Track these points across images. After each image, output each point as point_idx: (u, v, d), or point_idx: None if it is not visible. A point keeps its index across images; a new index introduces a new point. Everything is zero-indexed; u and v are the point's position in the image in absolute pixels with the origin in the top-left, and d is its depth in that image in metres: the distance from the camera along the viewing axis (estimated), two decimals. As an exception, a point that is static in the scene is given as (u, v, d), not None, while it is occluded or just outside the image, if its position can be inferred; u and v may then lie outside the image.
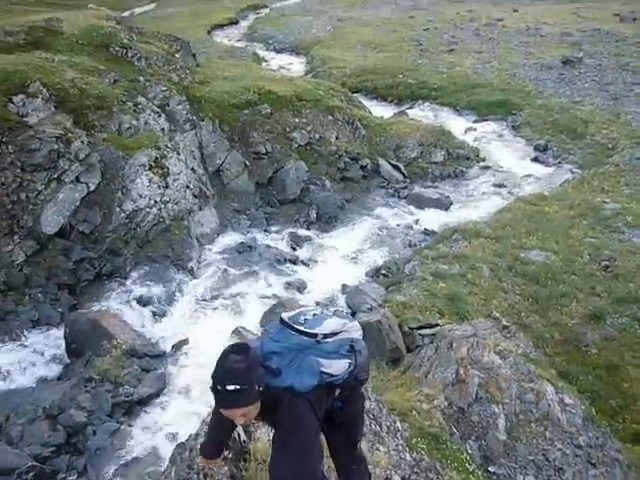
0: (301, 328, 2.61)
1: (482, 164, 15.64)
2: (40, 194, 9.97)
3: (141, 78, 13.36)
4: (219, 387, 2.34)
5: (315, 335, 2.61)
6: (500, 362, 5.91)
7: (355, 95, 18.87)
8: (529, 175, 14.88)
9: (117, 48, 13.73)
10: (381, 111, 18.68)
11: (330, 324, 2.67)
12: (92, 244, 10.16)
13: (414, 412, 5.21)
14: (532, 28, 27.92)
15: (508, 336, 7.09)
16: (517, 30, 27.87)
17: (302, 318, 2.67)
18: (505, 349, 6.23)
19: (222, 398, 2.37)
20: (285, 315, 2.68)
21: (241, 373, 2.36)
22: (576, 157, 15.47)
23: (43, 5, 35.61)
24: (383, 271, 10.50)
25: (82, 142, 10.73)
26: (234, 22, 35.41)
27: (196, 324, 9.28)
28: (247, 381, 2.36)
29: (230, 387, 2.33)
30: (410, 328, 7.99)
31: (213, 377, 2.37)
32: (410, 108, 19.51)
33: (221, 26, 34.17)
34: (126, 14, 34.65)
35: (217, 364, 2.39)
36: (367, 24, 31.47)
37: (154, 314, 9.41)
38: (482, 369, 5.77)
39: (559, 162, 15.45)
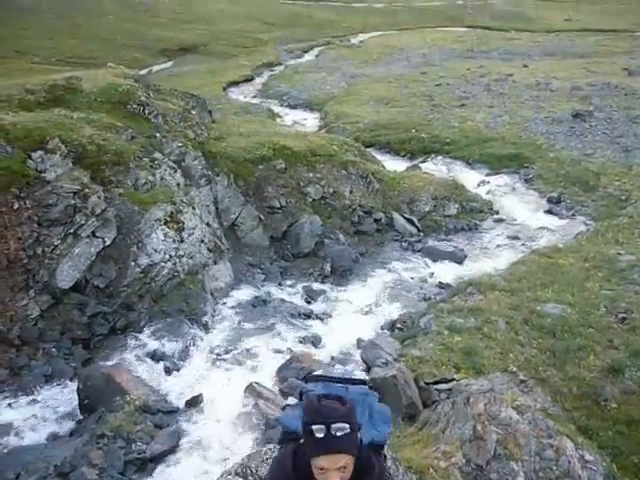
0: (346, 376, 2.50)
1: (496, 217, 15.66)
2: (56, 249, 10.07)
3: (158, 134, 13.61)
4: (323, 428, 2.17)
5: (364, 382, 2.53)
6: (518, 418, 5.79)
7: (368, 150, 19.07)
8: (543, 227, 14.86)
9: (135, 105, 14.02)
10: (394, 165, 18.84)
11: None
12: (107, 298, 10.20)
13: (431, 470, 5.10)
14: (542, 83, 28.25)
15: (525, 391, 6.99)
16: (527, 85, 28.21)
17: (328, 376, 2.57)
18: (523, 404, 6.12)
19: (327, 441, 2.18)
20: (315, 374, 2.54)
21: (347, 412, 2.23)
22: (589, 209, 15.47)
23: (63, 64, 36.61)
24: (398, 325, 10.42)
25: (99, 197, 10.88)
26: (249, 79, 36.11)
27: (210, 379, 9.20)
28: (354, 421, 2.23)
29: (339, 425, 2.17)
30: (426, 383, 7.89)
31: (313, 418, 2.21)
32: (423, 162, 19.66)
33: (236, 83, 34.85)
34: (144, 72, 35.50)
35: (311, 408, 2.27)
36: (380, 80, 32.03)
37: (168, 369, 9.35)
38: (500, 425, 5.65)
39: (572, 214, 15.44)
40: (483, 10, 69.89)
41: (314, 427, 2.20)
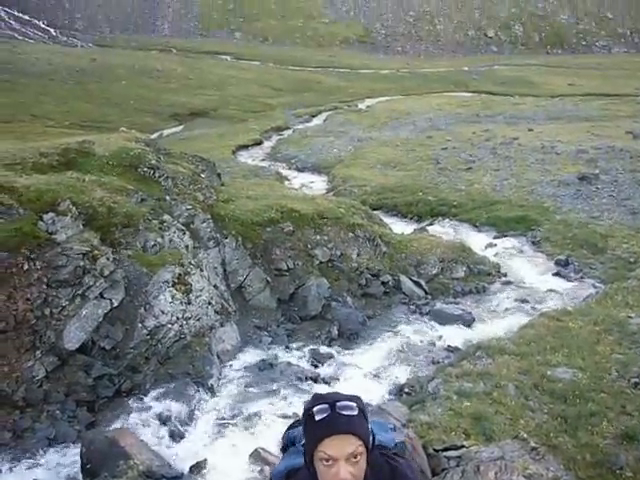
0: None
1: (504, 279, 15.60)
2: (64, 310, 10.09)
3: (167, 197, 13.78)
4: (327, 407, 1.94)
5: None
6: (530, 487, 5.66)
7: (376, 212, 19.20)
8: (551, 290, 14.77)
9: (145, 169, 14.25)
10: (401, 228, 18.93)
11: None
12: (113, 360, 10.14)
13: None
14: (547, 146, 28.55)
15: (537, 458, 6.83)
16: (533, 148, 28.53)
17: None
18: (535, 472, 5.99)
19: (332, 420, 1.93)
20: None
21: (355, 397, 2.03)
22: (598, 272, 15.41)
23: (77, 127, 37.40)
24: (406, 389, 10.26)
25: (108, 259, 10.95)
26: (258, 143, 36.72)
27: (215, 444, 9.04)
28: (362, 407, 2.00)
29: (345, 403, 1.94)
30: (435, 450, 7.72)
31: (315, 401, 1.99)
32: (430, 225, 19.75)
33: (246, 147, 35.43)
34: (155, 135, 36.17)
35: (313, 396, 2.09)
36: (386, 144, 32.49)
37: (172, 433, 9.22)
38: (512, 495, 5.52)
39: (581, 277, 15.37)
40: (487, 76, 71.35)
41: (315, 408, 1.98)
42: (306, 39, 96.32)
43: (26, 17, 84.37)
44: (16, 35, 78.12)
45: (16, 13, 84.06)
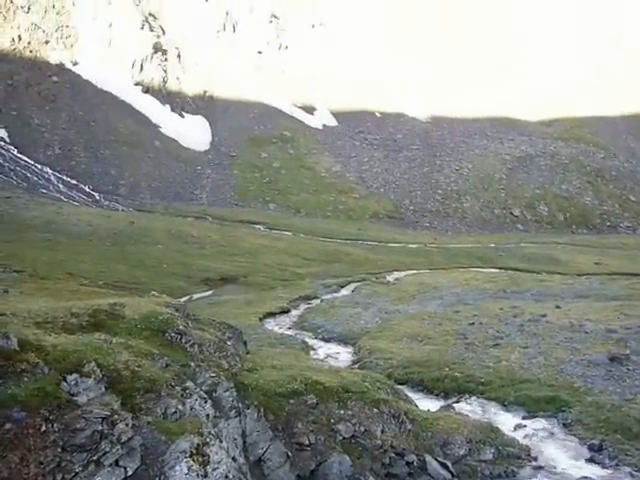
0: None
1: (534, 464, 14.87)
2: (77, 476, 9.76)
3: (192, 363, 13.76)
4: None
5: None
6: None
7: (401, 387, 18.85)
8: (585, 477, 14.00)
9: (173, 334, 14.38)
10: (427, 404, 18.45)
11: None
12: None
13: None
14: (576, 324, 28.32)
15: None
16: (561, 326, 28.28)
17: None
18: None
19: None
20: None
21: None
22: (635, 459, 14.65)
23: (110, 287, 38.30)
24: None
25: (127, 424, 10.76)
26: (286, 311, 37.04)
27: None
28: None
29: None
30: None
31: None
32: (457, 402, 19.24)
33: (273, 314, 35.72)
34: (185, 299, 36.84)
35: None
36: (413, 317, 32.53)
37: None
38: None
39: (616, 464, 14.60)
40: (514, 253, 72.47)
41: None
42: (337, 212, 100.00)
43: (73, 182, 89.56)
44: (62, 197, 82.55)
45: (65, 178, 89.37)
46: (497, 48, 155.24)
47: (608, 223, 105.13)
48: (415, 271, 58.01)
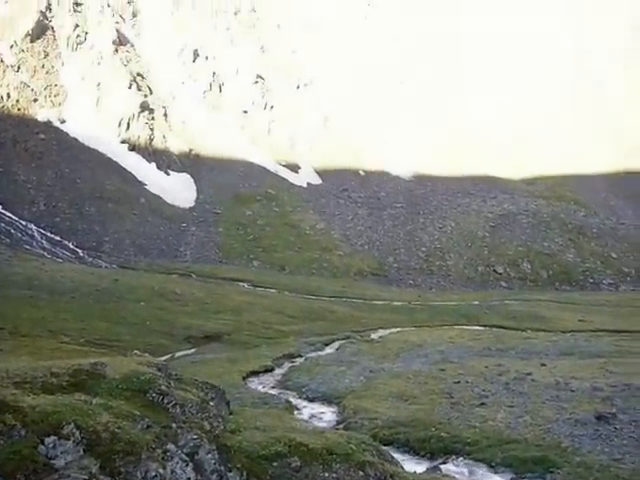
0: None
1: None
2: None
3: (174, 425, 13.47)
4: None
5: None
6: None
7: (387, 448, 18.51)
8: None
9: (154, 394, 14.10)
10: (414, 466, 18.13)
11: None
12: None
13: None
14: (561, 382, 28.20)
15: None
16: (547, 384, 28.16)
17: None
18: None
19: None
20: None
21: None
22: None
23: (91, 345, 37.78)
24: None
25: (105, 490, 10.46)
26: (269, 370, 36.58)
27: None
28: None
29: None
30: None
31: None
32: (443, 463, 18.92)
33: (256, 373, 35.26)
34: (167, 357, 36.37)
35: None
36: (399, 376, 32.24)
37: None
38: None
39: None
40: (498, 310, 72.56)
41: None
42: (321, 270, 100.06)
43: (57, 238, 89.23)
44: (46, 254, 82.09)
45: (49, 234, 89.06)
46: (479, 108, 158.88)
47: (591, 280, 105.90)
48: (399, 329, 57.80)
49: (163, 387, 14.80)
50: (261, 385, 32.28)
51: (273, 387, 31.93)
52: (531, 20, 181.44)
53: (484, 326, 60.41)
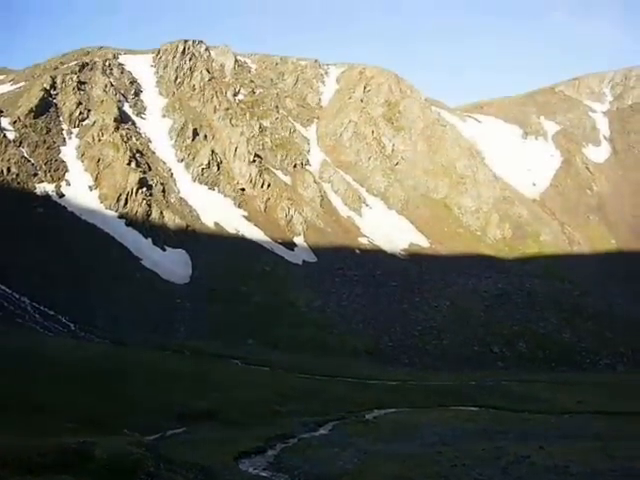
0: None
1: None
2: None
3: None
4: None
5: None
6: None
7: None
8: None
9: (142, 476, 13.84)
10: None
11: None
12: None
13: None
14: (560, 466, 27.64)
15: None
16: (545, 468, 27.59)
17: None
18: None
19: None
20: None
21: None
22: None
23: (81, 423, 36.79)
24: None
25: None
26: (261, 450, 35.71)
27: None
28: None
29: None
30: None
31: None
32: None
33: (248, 454, 34.42)
34: (158, 436, 35.62)
35: None
36: (394, 458, 31.52)
37: None
38: None
39: None
40: (495, 390, 71.54)
41: None
42: (316, 348, 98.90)
43: (51, 312, 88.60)
44: (37, 327, 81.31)
45: (42, 308, 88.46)
46: (471, 185, 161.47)
47: (588, 360, 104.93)
48: (395, 409, 56.79)
49: (151, 469, 14.44)
50: (252, 467, 31.44)
51: (265, 469, 31.10)
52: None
53: (480, 407, 59.44)
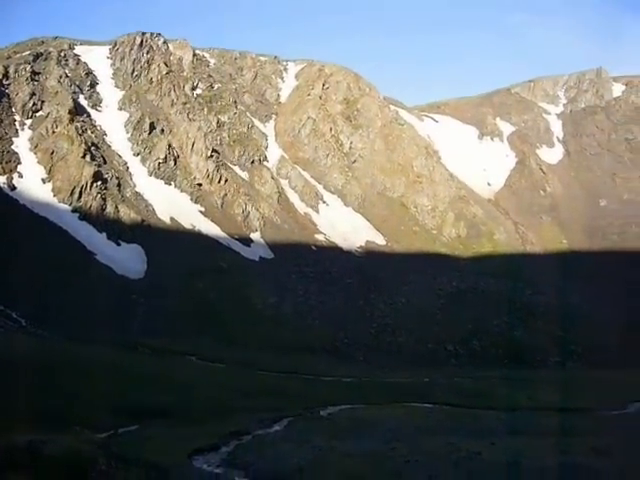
0: None
1: None
2: None
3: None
4: None
5: None
6: None
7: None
8: None
9: (94, 474, 13.61)
10: None
11: None
12: None
13: None
14: (511, 461, 28.15)
15: None
16: (496, 463, 28.08)
17: None
18: None
19: None
20: None
21: None
22: None
23: (31, 420, 35.95)
24: None
25: None
26: (216, 447, 35.50)
27: None
28: None
29: None
30: None
31: None
32: None
33: (202, 451, 34.17)
34: (111, 433, 35.13)
35: None
36: (348, 454, 31.67)
37: None
38: None
39: None
40: (448, 387, 72.48)
41: None
42: (272, 344, 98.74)
43: (1, 307, 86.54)
44: (-15, 324, 79.26)
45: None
46: (431, 183, 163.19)
47: (538, 358, 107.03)
48: (350, 406, 57.04)
49: (104, 467, 14.23)
50: (206, 463, 31.25)
51: (219, 466, 30.95)
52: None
53: (434, 403, 60.14)
